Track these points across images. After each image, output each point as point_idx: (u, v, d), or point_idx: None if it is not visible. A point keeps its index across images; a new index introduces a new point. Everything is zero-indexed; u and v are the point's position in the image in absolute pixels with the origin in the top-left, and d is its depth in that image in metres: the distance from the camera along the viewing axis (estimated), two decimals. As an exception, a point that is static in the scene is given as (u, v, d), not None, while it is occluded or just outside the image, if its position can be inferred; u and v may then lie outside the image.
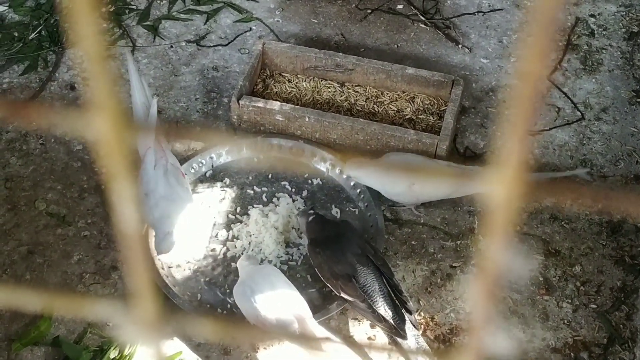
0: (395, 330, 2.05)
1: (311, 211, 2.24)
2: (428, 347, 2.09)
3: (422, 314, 2.21)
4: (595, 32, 2.89)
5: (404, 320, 2.06)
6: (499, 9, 2.95)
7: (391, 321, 2.05)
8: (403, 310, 2.07)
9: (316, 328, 1.98)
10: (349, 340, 2.16)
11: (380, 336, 2.16)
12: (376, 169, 2.36)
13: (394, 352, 2.12)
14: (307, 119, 2.50)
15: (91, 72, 0.36)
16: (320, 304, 2.19)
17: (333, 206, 2.42)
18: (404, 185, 2.33)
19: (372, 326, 2.18)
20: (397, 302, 2.08)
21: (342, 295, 2.10)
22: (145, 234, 2.26)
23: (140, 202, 2.16)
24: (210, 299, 2.22)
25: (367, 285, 2.07)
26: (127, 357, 2.10)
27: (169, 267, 2.26)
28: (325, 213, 2.37)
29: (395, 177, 2.33)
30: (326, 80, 2.70)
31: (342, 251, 2.12)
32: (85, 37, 0.37)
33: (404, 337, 2.04)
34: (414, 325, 2.07)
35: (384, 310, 2.05)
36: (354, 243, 2.14)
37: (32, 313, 2.18)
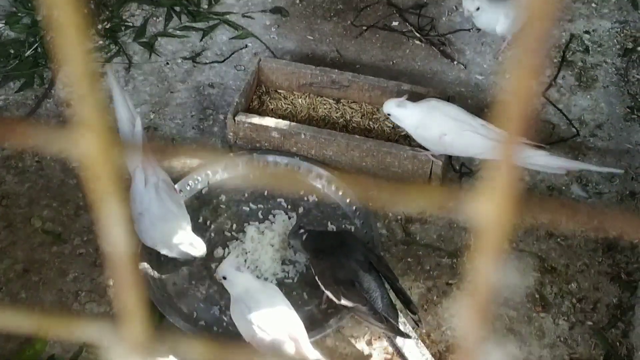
0: (398, 330, 2.05)
1: (301, 230, 2.23)
2: (428, 353, 2.10)
3: (417, 331, 2.20)
4: (590, 48, 2.90)
5: (403, 325, 2.07)
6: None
7: (393, 322, 2.05)
8: (407, 311, 2.08)
9: (310, 351, 1.97)
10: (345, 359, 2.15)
11: (378, 354, 2.15)
12: (415, 110, 2.36)
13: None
14: (302, 136, 2.51)
15: (79, 91, 0.36)
16: (316, 322, 2.18)
17: (329, 223, 2.41)
18: (436, 133, 2.34)
19: (369, 343, 2.17)
20: (401, 304, 2.09)
21: (343, 301, 2.09)
22: (136, 253, 2.25)
23: (134, 222, 2.16)
24: (206, 317, 2.22)
25: (371, 291, 2.08)
26: (122, 375, 2.09)
27: (164, 285, 2.25)
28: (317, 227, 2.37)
29: (430, 123, 2.34)
30: (322, 96, 2.70)
31: (346, 258, 2.12)
32: (73, 57, 0.37)
33: (407, 336, 2.05)
34: (417, 324, 2.08)
35: (386, 313, 2.06)
36: (357, 250, 2.14)
37: (26, 334, 2.17)
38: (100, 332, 0.41)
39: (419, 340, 2.09)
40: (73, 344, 2.17)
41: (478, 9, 2.65)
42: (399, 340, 2.10)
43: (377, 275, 2.10)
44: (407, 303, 2.09)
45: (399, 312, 2.10)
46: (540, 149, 2.29)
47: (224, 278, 2.05)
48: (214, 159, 2.38)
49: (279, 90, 2.72)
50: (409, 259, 2.37)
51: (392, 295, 2.12)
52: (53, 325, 0.42)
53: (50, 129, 0.38)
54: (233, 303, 2.06)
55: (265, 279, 2.26)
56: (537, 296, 2.29)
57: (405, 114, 2.38)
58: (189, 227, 2.20)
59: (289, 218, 2.40)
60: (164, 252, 2.21)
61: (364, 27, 2.98)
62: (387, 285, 2.11)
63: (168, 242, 2.18)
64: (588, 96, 2.77)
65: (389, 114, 2.41)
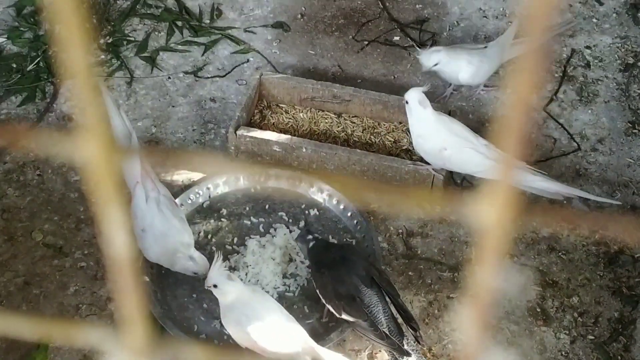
0: (398, 348, 2.04)
1: (310, 237, 2.24)
2: None
3: (419, 347, 2.20)
4: (591, 63, 2.90)
5: (406, 339, 2.07)
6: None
7: (394, 339, 2.04)
8: (408, 327, 2.07)
9: (327, 354, 1.98)
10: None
11: (378, 367, 2.15)
12: (428, 117, 2.36)
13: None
14: (304, 150, 2.51)
15: (82, 100, 0.36)
16: (318, 335, 2.18)
17: (330, 237, 2.41)
18: (436, 146, 2.34)
19: (371, 357, 2.17)
20: (402, 320, 2.08)
21: (344, 316, 2.09)
22: (138, 259, 2.26)
23: (137, 239, 2.16)
24: (207, 330, 2.21)
25: (371, 306, 2.07)
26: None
27: (165, 298, 2.25)
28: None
29: (432, 135, 2.34)
30: (323, 111, 2.70)
31: (347, 272, 2.12)
32: (76, 70, 0.37)
33: (408, 354, 2.04)
34: (418, 341, 2.07)
35: (388, 329, 2.05)
36: (358, 265, 2.14)
37: (29, 343, 2.17)
38: (101, 338, 0.41)
39: (421, 355, 2.09)
40: (73, 356, 2.17)
41: (437, 64, 2.59)
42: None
43: (378, 290, 2.10)
44: (408, 320, 2.08)
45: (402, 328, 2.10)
46: (539, 173, 2.31)
47: (215, 286, 2.04)
48: (216, 170, 2.38)
49: (281, 105, 2.72)
50: (410, 273, 2.37)
51: (394, 310, 2.11)
52: (56, 332, 0.42)
53: (54, 137, 0.38)
54: (225, 312, 2.04)
55: (267, 292, 2.26)
56: (538, 310, 2.29)
57: (420, 114, 2.36)
58: (191, 242, 2.21)
59: (290, 232, 2.40)
60: (167, 266, 2.22)
61: (366, 42, 2.99)
62: (388, 300, 2.10)
63: (170, 258, 2.18)
64: (589, 111, 2.77)
65: (406, 102, 2.38)
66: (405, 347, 2.06)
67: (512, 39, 2.62)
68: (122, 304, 0.39)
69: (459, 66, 2.60)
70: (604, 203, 2.51)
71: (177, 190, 2.45)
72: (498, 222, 0.34)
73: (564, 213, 0.35)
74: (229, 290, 2.02)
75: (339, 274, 2.12)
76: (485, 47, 2.65)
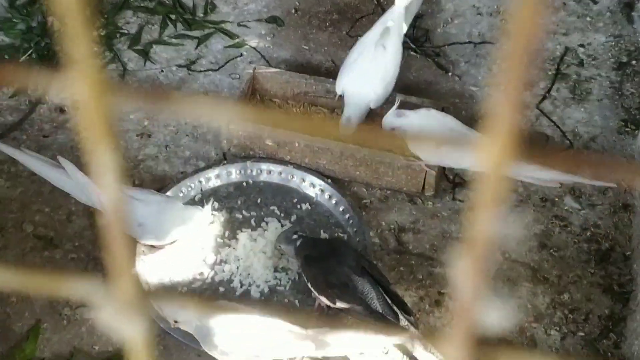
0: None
1: (295, 236, 2.22)
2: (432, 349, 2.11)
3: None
4: (585, 61, 2.90)
5: (402, 323, 2.07)
6: (490, 42, 2.95)
7: (390, 319, 2.04)
8: (402, 312, 2.07)
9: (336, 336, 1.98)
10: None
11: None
12: (414, 118, 2.35)
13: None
14: (296, 144, 2.50)
15: (70, 33, 0.35)
16: (307, 330, 2.17)
17: (322, 231, 2.41)
18: (432, 142, 2.33)
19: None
20: (396, 306, 2.08)
21: (338, 304, 2.08)
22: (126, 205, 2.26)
23: (138, 236, 2.19)
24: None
25: (365, 292, 2.07)
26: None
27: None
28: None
29: (427, 134, 2.33)
30: (316, 106, 2.70)
31: (338, 263, 2.11)
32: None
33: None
34: (412, 324, 2.07)
35: (383, 312, 2.05)
36: (348, 256, 2.14)
37: (19, 334, 2.17)
38: (89, 290, 0.40)
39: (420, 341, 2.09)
40: (63, 348, 2.16)
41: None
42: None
43: (370, 278, 2.10)
44: (401, 305, 2.08)
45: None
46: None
47: (176, 322, 2.01)
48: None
49: (274, 99, 2.72)
50: (401, 268, 2.36)
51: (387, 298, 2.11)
52: (43, 285, 0.41)
53: (43, 74, 0.37)
54: (201, 341, 2.01)
55: (258, 286, 2.26)
56: (529, 307, 2.29)
57: (407, 124, 2.35)
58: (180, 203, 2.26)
59: (282, 226, 2.39)
60: (166, 240, 2.25)
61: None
62: (380, 289, 2.10)
63: (179, 223, 2.24)
64: (582, 109, 2.77)
65: (392, 129, 2.37)
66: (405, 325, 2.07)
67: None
68: (111, 255, 0.39)
69: (366, 94, 2.50)
70: (596, 201, 2.51)
71: (168, 183, 2.45)
72: (497, 166, 0.33)
73: (564, 157, 0.35)
74: (188, 318, 1.99)
75: (329, 265, 2.12)
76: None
